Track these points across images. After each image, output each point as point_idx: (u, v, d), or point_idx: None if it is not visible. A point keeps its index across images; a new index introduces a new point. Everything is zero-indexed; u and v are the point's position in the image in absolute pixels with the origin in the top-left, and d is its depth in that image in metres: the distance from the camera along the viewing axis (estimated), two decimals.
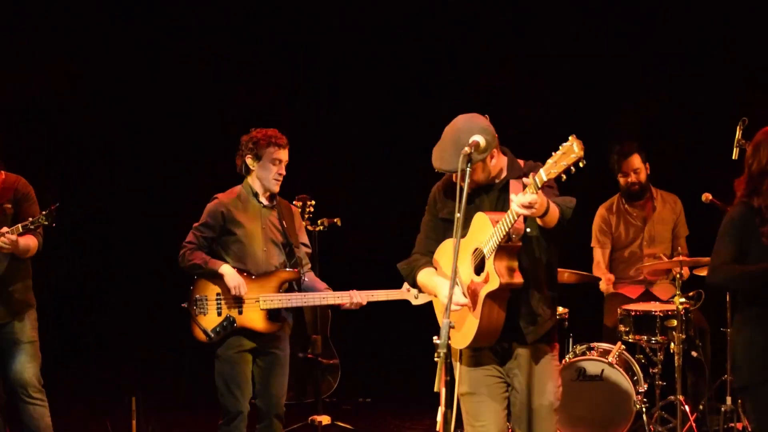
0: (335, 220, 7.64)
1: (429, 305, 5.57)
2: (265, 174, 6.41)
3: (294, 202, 7.70)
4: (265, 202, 6.49)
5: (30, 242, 6.62)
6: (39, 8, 9.26)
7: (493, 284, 4.85)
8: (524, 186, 4.68)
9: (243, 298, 6.32)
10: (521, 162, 5.15)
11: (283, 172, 6.46)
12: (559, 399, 5.16)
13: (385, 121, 9.33)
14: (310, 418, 7.65)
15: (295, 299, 6.40)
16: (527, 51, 9.03)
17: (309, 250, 6.71)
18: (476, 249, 4.95)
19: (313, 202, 7.73)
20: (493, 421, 5.12)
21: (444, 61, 9.27)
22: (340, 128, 9.43)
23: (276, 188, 6.48)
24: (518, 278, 4.89)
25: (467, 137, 4.84)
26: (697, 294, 7.34)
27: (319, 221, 7.65)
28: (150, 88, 9.46)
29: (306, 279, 6.62)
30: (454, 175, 4.87)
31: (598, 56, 8.79)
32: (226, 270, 6.32)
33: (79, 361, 7.03)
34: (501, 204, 5.04)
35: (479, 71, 9.10)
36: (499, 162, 5.08)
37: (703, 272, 7.30)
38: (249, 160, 6.43)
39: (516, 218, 4.71)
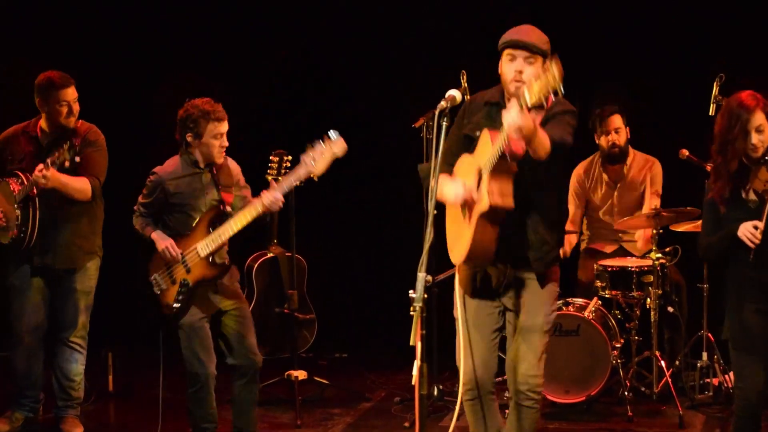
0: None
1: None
2: (209, 150, 6.30)
3: (271, 158, 7.64)
4: (202, 166, 6.39)
5: (82, 185, 6.61)
6: None
7: (483, 205, 4.91)
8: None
9: (182, 257, 6.26)
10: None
11: (226, 144, 6.35)
12: (550, 323, 5.28)
13: (366, 78, 9.25)
14: (286, 373, 7.65)
15: (225, 231, 6.24)
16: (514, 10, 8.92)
17: (248, 191, 6.56)
18: (478, 167, 5.01)
19: (290, 158, 7.66)
20: (478, 350, 5.29)
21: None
22: (319, 85, 9.36)
23: (221, 160, 6.39)
24: (508, 202, 4.92)
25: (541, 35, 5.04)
26: (674, 250, 7.36)
27: None
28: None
29: None
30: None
31: (577, 20, 8.70)
32: (155, 236, 6.30)
33: None
34: None
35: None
36: None
37: (681, 227, 7.33)
38: (189, 138, 6.31)
39: (506, 138, 4.72)
